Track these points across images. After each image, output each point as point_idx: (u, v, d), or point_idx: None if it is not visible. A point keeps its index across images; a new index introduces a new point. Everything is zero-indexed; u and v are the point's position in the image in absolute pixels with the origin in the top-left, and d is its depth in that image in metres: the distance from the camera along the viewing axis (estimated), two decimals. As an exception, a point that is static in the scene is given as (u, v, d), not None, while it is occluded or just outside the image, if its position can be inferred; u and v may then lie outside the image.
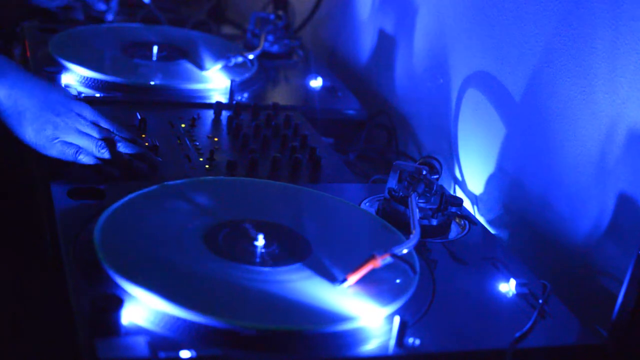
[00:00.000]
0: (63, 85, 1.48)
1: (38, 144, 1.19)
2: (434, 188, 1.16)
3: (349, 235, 1.12)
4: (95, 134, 1.22)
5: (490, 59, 1.38)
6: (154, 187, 1.13)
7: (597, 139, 1.15)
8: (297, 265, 0.99)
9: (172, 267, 0.96)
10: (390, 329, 0.90)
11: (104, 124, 1.26)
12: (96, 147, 1.20)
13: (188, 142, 1.35)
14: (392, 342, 0.89)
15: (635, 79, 1.07)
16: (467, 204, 1.39)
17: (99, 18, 1.96)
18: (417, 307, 0.96)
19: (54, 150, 1.19)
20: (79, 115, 1.23)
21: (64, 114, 1.21)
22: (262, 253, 1.00)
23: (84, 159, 1.19)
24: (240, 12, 2.38)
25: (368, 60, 1.87)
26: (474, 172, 1.43)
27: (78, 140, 1.20)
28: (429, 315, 0.96)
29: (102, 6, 1.61)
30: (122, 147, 1.22)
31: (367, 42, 1.88)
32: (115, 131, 1.25)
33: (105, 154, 1.20)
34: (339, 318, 0.90)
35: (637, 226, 1.08)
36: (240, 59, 1.68)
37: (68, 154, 1.19)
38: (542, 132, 1.26)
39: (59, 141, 1.19)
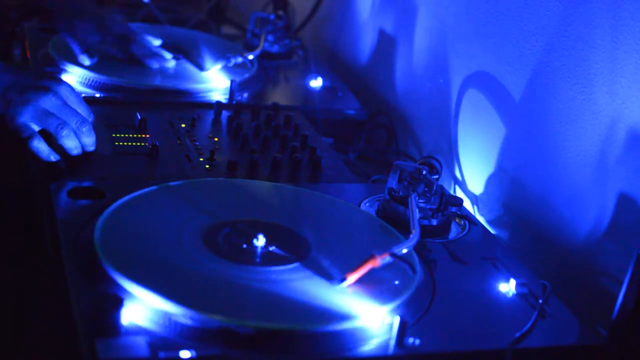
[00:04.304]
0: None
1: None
2: (434, 188, 1.16)
3: (348, 235, 1.12)
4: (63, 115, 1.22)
5: (490, 59, 1.38)
6: (154, 187, 1.13)
7: (597, 139, 1.15)
8: (297, 265, 0.99)
9: (172, 267, 0.96)
10: (390, 329, 0.90)
11: (75, 105, 1.24)
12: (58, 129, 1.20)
13: (188, 142, 1.35)
14: (392, 342, 0.89)
15: (635, 79, 1.07)
16: (467, 204, 1.39)
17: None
18: (417, 307, 0.96)
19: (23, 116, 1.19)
20: (51, 93, 1.22)
21: (31, 93, 1.21)
22: (262, 253, 1.00)
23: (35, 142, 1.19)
24: (240, 12, 2.38)
25: (368, 60, 1.87)
26: (474, 172, 1.43)
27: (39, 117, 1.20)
28: (429, 315, 0.96)
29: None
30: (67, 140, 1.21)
31: (367, 42, 1.88)
32: (77, 117, 1.23)
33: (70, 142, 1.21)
34: (338, 318, 0.90)
35: (637, 226, 1.08)
36: (240, 59, 1.68)
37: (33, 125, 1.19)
38: (542, 132, 1.26)
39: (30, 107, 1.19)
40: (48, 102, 1.19)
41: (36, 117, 1.18)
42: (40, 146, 1.18)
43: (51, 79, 1.24)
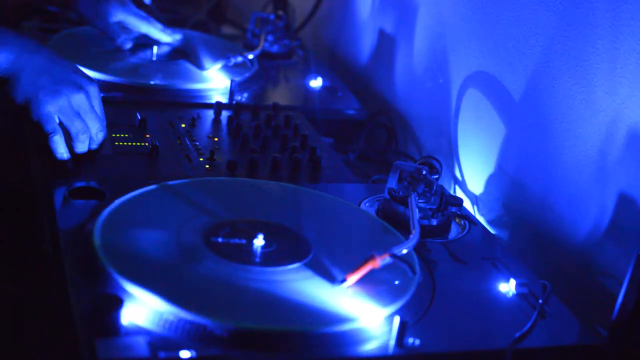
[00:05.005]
0: None
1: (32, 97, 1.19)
2: (434, 188, 1.16)
3: (348, 235, 1.12)
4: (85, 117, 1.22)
5: (490, 59, 1.39)
6: (154, 187, 1.13)
7: (597, 139, 1.15)
8: (297, 265, 0.99)
9: (172, 267, 0.96)
10: (390, 329, 0.90)
11: (98, 110, 1.24)
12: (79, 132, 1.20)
13: (188, 142, 1.35)
14: (392, 342, 0.89)
15: (635, 79, 1.07)
16: (467, 204, 1.39)
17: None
18: (417, 307, 0.96)
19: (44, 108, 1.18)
20: (83, 92, 1.22)
21: (64, 84, 1.21)
22: (262, 253, 1.00)
23: (58, 141, 1.19)
24: (240, 12, 2.38)
25: (368, 60, 1.87)
26: (474, 172, 1.43)
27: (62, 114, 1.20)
28: (429, 315, 0.96)
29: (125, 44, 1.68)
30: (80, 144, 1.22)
31: (367, 42, 1.88)
32: (100, 123, 1.24)
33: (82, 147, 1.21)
34: (338, 318, 0.90)
35: (637, 226, 1.08)
36: (240, 59, 1.68)
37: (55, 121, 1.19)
38: (542, 132, 1.26)
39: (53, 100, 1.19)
40: (78, 101, 1.20)
41: (63, 111, 1.19)
42: (59, 144, 1.19)
43: (85, 77, 1.24)
